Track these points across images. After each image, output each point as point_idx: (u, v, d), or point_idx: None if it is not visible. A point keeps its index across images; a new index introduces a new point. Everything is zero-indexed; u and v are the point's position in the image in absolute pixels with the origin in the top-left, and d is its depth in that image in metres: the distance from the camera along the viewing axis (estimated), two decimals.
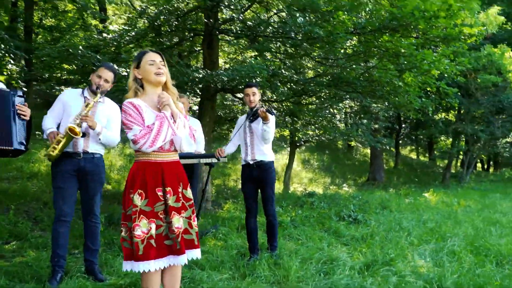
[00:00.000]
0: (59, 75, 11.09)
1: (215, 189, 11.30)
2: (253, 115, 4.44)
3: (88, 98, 3.77)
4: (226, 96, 11.67)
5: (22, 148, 3.18)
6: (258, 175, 4.53)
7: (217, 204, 9.36)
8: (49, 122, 3.73)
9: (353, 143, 19.44)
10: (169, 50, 9.68)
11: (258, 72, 5.96)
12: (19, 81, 8.15)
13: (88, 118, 3.55)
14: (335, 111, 12.65)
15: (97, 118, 3.70)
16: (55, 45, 8.38)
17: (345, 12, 5.91)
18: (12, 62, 6.48)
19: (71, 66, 8.40)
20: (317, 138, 13.51)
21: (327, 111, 11.82)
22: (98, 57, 6.47)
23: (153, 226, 2.51)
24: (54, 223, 3.65)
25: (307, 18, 6.59)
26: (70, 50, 6.58)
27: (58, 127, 3.74)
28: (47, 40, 15.10)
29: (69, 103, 3.73)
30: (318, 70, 9.66)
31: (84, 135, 3.60)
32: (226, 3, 7.52)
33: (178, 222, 2.58)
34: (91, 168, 3.73)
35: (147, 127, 2.49)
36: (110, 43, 8.03)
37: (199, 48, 9.86)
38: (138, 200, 2.52)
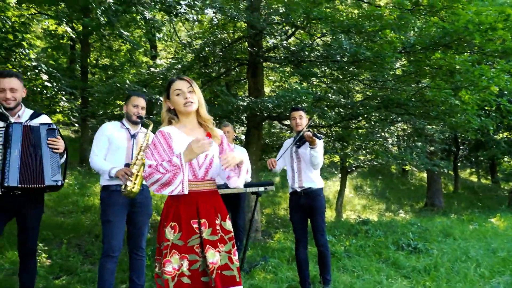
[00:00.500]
0: (113, 111, 11.50)
1: (265, 218, 11.08)
2: (299, 140, 4.27)
3: (130, 129, 3.76)
4: (273, 124, 11.57)
5: (57, 183, 3.12)
6: (306, 203, 4.30)
7: (267, 234, 9.11)
8: (104, 163, 3.63)
9: (408, 167, 18.61)
10: (216, 80, 9.81)
11: (304, 97, 5.80)
12: (71, 118, 8.47)
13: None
14: (387, 134, 12.19)
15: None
16: (107, 83, 8.72)
17: (392, 31, 5.65)
18: (64, 99, 6.73)
19: (122, 102, 8.65)
20: (368, 163, 13.02)
21: (378, 135, 11.40)
22: (145, 90, 6.59)
23: (185, 262, 2.33)
24: (102, 258, 3.56)
25: (352, 40, 6.39)
26: (119, 85, 6.75)
27: None
28: (101, 79, 15.90)
29: (114, 136, 3.68)
30: (367, 93, 9.36)
31: None
32: (269, 31, 7.48)
33: (213, 257, 2.36)
34: (141, 200, 3.65)
35: (170, 164, 2.31)
36: (157, 76, 8.23)
37: (245, 77, 9.91)
38: (170, 233, 2.37)
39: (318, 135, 4.13)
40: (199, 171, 2.47)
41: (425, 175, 20.61)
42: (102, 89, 8.22)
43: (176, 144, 2.44)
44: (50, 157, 3.11)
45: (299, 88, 6.09)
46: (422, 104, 7.88)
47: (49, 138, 3.16)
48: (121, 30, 8.14)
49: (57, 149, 3.18)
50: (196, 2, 7.01)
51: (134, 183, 3.42)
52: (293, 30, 8.49)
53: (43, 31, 15.68)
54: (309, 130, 4.24)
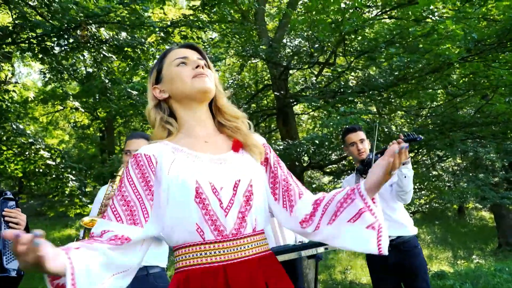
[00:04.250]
0: None
1: (321, 286, 9.57)
2: (368, 165, 2.91)
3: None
4: (313, 176, 10.47)
5: (10, 274, 2.01)
6: (398, 262, 2.94)
7: None
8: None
9: (470, 205, 16.83)
10: None
11: (354, 124, 4.66)
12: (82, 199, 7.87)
13: None
14: (440, 172, 10.84)
15: None
16: None
17: (454, 23, 4.62)
18: (73, 178, 5.96)
19: None
20: (427, 206, 11.54)
21: (431, 174, 10.09)
22: None
23: None
24: None
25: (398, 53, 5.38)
26: None
27: None
28: None
29: None
30: (416, 123, 8.22)
31: None
32: (294, 64, 6.63)
33: None
34: None
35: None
36: None
37: (275, 127, 9.06)
38: None
39: (413, 134, 2.65)
40: (227, 219, 1.24)
41: (484, 213, 18.81)
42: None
43: (170, 170, 1.26)
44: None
45: (345, 118, 4.93)
46: (487, 123, 6.65)
47: (5, 209, 2.10)
48: (143, 111, 7.57)
49: (16, 223, 2.12)
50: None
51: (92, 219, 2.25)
52: (320, 68, 7.69)
53: (69, 125, 16.01)
54: (376, 155, 2.91)
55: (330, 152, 6.58)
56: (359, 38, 5.79)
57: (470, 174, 12.25)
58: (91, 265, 1.08)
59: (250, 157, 1.36)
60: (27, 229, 2.15)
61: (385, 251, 1.24)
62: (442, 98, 7.59)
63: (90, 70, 6.88)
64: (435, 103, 8.20)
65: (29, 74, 18.81)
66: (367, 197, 1.26)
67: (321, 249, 4.24)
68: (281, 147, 5.63)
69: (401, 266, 2.94)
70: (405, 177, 2.74)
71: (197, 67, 1.34)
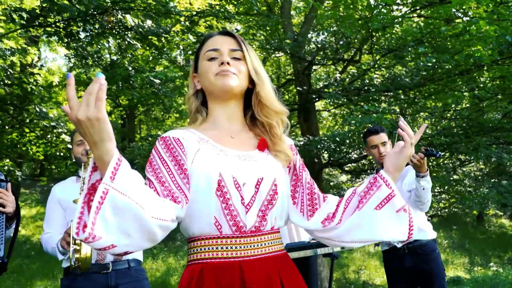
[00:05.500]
0: None
1: (335, 285, 9.49)
2: None
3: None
4: (331, 173, 10.36)
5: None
6: (415, 266, 2.88)
7: None
8: (53, 238, 2.44)
9: (491, 211, 16.52)
10: None
11: (378, 123, 4.55)
12: None
13: None
14: (462, 176, 10.60)
15: None
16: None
17: (488, 24, 4.45)
18: None
19: None
20: (446, 210, 11.34)
21: (452, 178, 9.88)
22: None
23: None
24: None
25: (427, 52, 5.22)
26: None
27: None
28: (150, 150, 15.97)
29: (65, 198, 2.50)
30: (438, 126, 8.04)
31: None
32: (319, 60, 6.53)
33: None
34: (125, 285, 2.37)
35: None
36: None
37: (295, 123, 8.98)
38: None
39: (432, 149, 2.68)
40: (247, 216, 1.22)
41: (504, 220, 18.40)
42: (143, 153, 7.56)
43: (195, 160, 1.24)
44: None
45: (367, 116, 4.82)
46: None
47: None
48: (165, 101, 7.54)
49: (2, 206, 2.04)
50: None
51: (76, 249, 2.12)
52: (344, 65, 7.56)
53: None
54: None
55: (350, 150, 6.47)
56: (387, 35, 5.64)
57: (493, 180, 11.98)
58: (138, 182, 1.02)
59: (274, 158, 1.32)
60: (17, 211, 2.12)
61: (414, 235, 1.25)
62: (469, 101, 7.38)
63: (115, 58, 6.93)
64: (460, 105, 8.00)
65: (54, 60, 19.16)
66: (392, 183, 1.24)
67: (337, 248, 4.19)
68: (301, 142, 5.55)
69: (418, 270, 2.88)
70: (423, 189, 2.71)
71: (222, 63, 1.30)
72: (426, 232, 2.93)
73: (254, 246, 1.22)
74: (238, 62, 1.32)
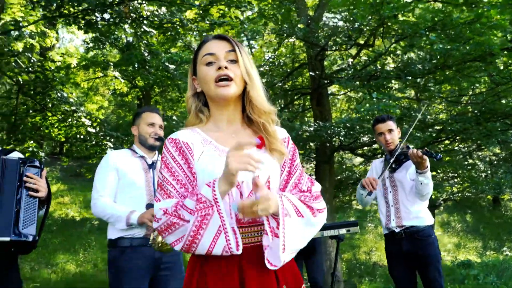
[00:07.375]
0: None
1: (345, 265, 9.70)
2: (396, 162, 3.07)
3: (145, 156, 2.71)
4: (344, 156, 10.43)
5: (27, 238, 2.04)
6: (412, 250, 3.05)
7: (351, 284, 7.79)
8: (116, 205, 2.58)
9: (507, 196, 16.38)
10: (280, 113, 9.03)
11: (386, 110, 4.64)
12: None
13: None
14: (477, 161, 10.54)
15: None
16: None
17: (499, 13, 4.43)
18: (111, 145, 6.25)
19: None
20: (459, 194, 11.33)
21: (466, 162, 9.86)
22: None
23: None
24: None
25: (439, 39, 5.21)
26: None
27: None
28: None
29: (125, 168, 2.64)
30: (453, 111, 8.02)
31: None
32: (331, 45, 6.55)
33: None
34: (167, 260, 2.56)
35: (198, 201, 1.28)
36: None
37: (308, 107, 9.05)
38: None
39: (432, 152, 2.84)
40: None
41: None
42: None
43: (199, 160, 1.40)
44: (24, 202, 2.11)
45: (378, 103, 4.90)
46: None
47: (27, 174, 2.14)
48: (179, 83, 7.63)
49: (36, 190, 2.15)
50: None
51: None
52: (358, 49, 7.56)
53: (109, 91, 16.36)
54: (407, 147, 3.06)
55: (361, 135, 6.54)
56: (400, 21, 5.63)
57: (509, 165, 11.88)
58: None
59: (271, 155, 1.44)
60: (48, 197, 2.23)
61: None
62: (485, 86, 7.33)
63: (130, 39, 7.03)
64: (476, 90, 7.95)
65: (71, 40, 19.35)
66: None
67: (343, 231, 4.39)
68: (311, 128, 5.66)
69: (415, 254, 3.04)
70: (421, 183, 2.89)
71: (219, 68, 1.39)
72: (423, 218, 3.09)
73: (250, 235, 1.37)
74: (234, 66, 1.41)
